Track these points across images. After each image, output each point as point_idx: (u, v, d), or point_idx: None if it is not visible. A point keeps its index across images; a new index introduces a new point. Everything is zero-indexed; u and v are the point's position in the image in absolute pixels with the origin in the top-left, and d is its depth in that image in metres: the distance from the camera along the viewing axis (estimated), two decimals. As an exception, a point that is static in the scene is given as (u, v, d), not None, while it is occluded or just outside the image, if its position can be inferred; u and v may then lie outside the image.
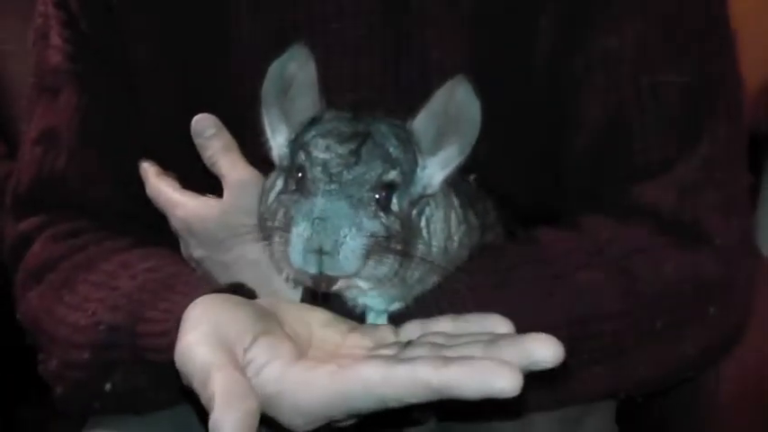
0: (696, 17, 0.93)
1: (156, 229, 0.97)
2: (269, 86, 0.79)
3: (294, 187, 0.75)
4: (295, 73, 0.78)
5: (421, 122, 0.78)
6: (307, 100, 0.79)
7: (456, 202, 0.85)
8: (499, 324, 0.73)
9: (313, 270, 0.71)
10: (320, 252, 0.70)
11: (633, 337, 0.89)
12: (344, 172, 0.73)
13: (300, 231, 0.70)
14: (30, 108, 1.03)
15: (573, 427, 0.97)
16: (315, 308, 0.80)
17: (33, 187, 1.01)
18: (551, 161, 0.96)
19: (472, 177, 0.91)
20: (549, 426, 0.95)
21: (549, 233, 0.92)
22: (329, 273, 0.72)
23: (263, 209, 0.82)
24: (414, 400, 0.63)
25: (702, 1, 0.94)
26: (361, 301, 0.82)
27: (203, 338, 0.70)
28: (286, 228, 0.72)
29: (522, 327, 0.72)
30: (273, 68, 0.78)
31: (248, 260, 0.88)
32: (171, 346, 0.73)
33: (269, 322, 0.73)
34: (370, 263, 0.73)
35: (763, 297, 0.99)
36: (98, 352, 0.88)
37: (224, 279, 0.89)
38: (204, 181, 0.93)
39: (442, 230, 0.82)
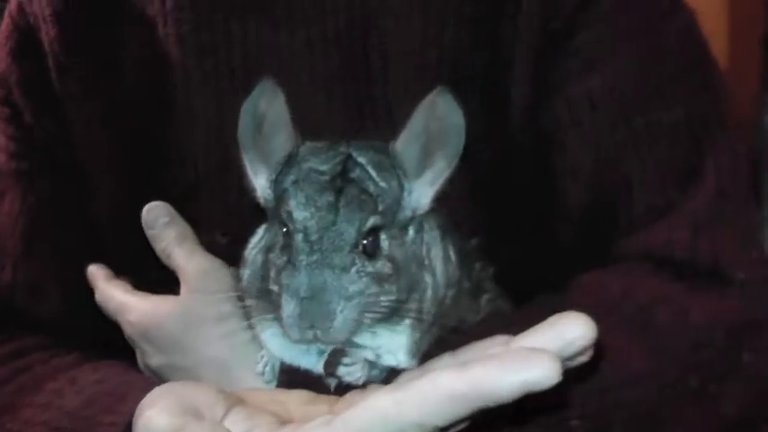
0: (682, 50, 0.88)
1: (111, 344, 0.89)
2: (243, 127, 0.76)
3: (281, 242, 0.72)
4: (266, 110, 0.74)
5: (404, 143, 0.75)
6: (281, 136, 0.75)
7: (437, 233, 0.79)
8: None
9: (311, 342, 0.70)
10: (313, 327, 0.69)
11: (667, 401, 0.79)
12: (324, 238, 0.70)
13: (291, 311, 0.69)
14: None
15: None
16: (291, 390, 0.71)
17: None
18: (544, 223, 0.89)
19: (473, 241, 0.85)
20: None
21: (552, 300, 0.82)
22: (327, 343, 0.70)
23: (248, 267, 0.77)
24: (439, 420, 0.51)
25: (685, 33, 0.89)
26: (375, 344, 0.74)
27: (165, 410, 0.57)
28: (279, 293, 0.71)
29: None
30: (245, 108, 0.75)
31: (212, 360, 0.79)
32: None
33: (240, 398, 0.62)
34: (367, 316, 0.70)
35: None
36: None
37: None
38: (165, 280, 0.85)
39: (437, 254, 0.77)
